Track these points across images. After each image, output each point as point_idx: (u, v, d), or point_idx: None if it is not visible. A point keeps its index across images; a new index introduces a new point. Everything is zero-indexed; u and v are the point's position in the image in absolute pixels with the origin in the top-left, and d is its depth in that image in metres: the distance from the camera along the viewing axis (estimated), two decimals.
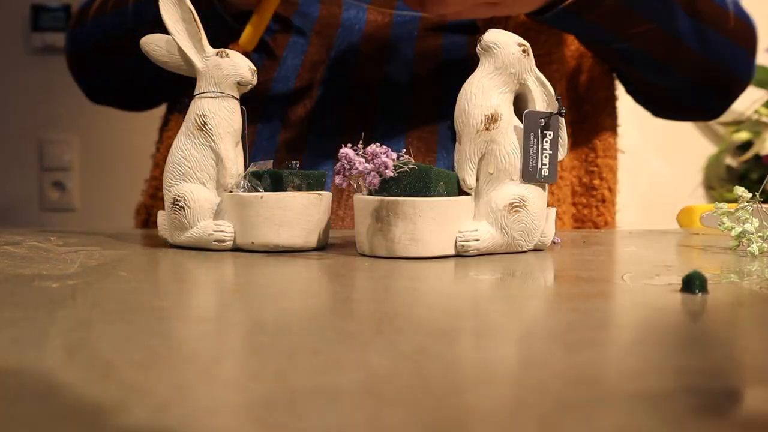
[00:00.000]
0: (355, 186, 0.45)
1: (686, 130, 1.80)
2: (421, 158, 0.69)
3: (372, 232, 0.45)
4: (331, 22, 0.77)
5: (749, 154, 1.66)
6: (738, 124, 1.71)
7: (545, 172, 0.46)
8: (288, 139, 0.74)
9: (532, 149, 0.45)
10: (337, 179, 0.44)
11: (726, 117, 1.75)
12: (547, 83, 0.46)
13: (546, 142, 0.46)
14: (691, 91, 0.79)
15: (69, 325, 0.24)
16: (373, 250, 0.45)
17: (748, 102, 1.68)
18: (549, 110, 0.46)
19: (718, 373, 0.19)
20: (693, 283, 0.31)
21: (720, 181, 1.76)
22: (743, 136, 1.70)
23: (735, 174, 1.74)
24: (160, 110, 0.92)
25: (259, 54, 0.77)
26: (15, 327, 0.24)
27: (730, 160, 1.77)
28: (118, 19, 0.77)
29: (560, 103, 0.46)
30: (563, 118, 0.47)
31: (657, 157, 1.71)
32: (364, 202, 0.45)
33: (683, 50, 0.72)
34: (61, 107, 1.80)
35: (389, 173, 0.43)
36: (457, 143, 0.46)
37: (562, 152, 0.47)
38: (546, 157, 0.46)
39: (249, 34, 0.65)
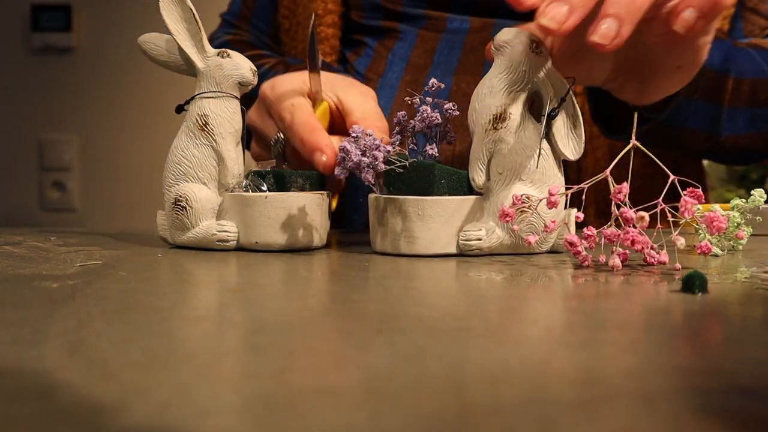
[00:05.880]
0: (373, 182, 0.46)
1: None
2: None
3: (376, 228, 0.46)
4: (437, 26, 0.75)
5: None
6: None
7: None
8: None
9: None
10: (337, 170, 0.45)
11: None
12: (563, 80, 0.45)
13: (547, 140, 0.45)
14: None
15: (69, 325, 0.24)
16: (376, 246, 0.46)
17: None
18: (556, 109, 0.45)
19: (718, 373, 0.19)
20: (693, 283, 0.31)
21: (720, 181, 1.76)
22: None
23: (735, 174, 1.74)
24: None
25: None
26: (15, 327, 0.24)
27: None
28: None
29: (562, 102, 0.44)
30: (577, 113, 0.45)
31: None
32: (371, 199, 0.47)
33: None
34: (61, 107, 1.80)
35: (381, 166, 0.44)
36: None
37: (573, 152, 0.45)
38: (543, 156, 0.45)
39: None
